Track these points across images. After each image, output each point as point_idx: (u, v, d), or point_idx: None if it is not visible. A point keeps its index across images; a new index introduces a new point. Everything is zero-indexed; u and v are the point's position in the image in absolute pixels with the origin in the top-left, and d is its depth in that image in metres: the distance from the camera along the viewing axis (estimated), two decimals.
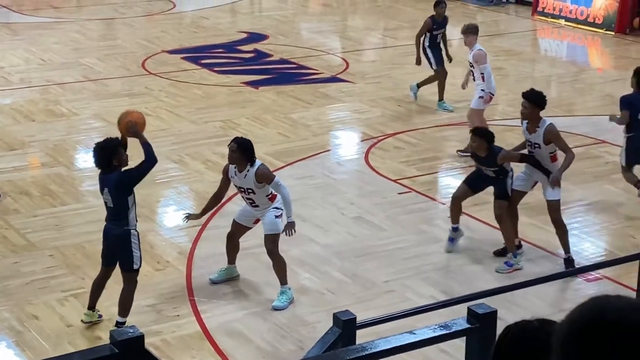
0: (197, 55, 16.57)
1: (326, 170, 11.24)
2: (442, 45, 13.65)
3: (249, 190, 7.97)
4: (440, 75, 13.57)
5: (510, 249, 8.66)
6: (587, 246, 9.37)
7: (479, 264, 8.78)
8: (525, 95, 8.54)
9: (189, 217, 8.31)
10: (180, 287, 8.27)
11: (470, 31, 11.70)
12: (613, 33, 18.51)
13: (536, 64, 17.21)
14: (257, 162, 7.98)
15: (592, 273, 8.30)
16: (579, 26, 18.89)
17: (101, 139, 7.51)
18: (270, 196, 8.03)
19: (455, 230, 8.98)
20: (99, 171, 7.41)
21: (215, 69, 15.66)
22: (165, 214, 10.16)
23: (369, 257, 8.92)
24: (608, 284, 8.26)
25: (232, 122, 12.84)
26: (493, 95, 11.93)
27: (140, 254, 7.42)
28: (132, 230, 7.33)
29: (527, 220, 9.46)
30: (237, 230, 8.29)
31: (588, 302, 1.63)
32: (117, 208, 7.28)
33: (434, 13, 13.61)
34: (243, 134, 12.28)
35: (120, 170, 7.31)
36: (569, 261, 8.52)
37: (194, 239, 9.21)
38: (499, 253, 8.84)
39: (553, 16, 19.70)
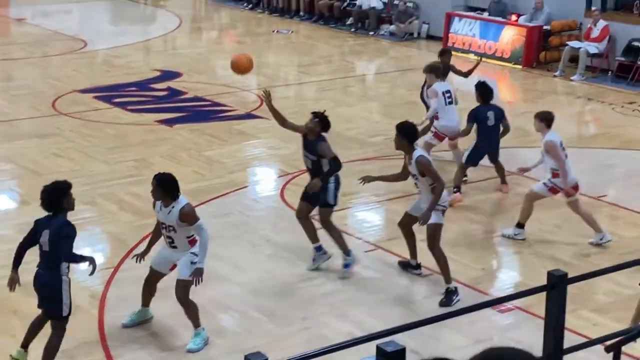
0: (109, 94, 16.40)
1: (242, 207, 11.20)
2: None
3: (170, 228, 7.86)
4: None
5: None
6: (501, 277, 9.52)
7: (396, 298, 8.81)
8: (397, 126, 8.77)
9: (138, 256, 8.15)
10: (92, 331, 8.10)
11: (427, 70, 12.17)
12: (520, 67, 18.98)
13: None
14: (183, 200, 7.86)
15: (505, 304, 8.41)
16: (488, 60, 19.31)
17: (49, 182, 7.33)
18: (190, 239, 7.91)
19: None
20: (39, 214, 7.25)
21: (129, 107, 15.52)
22: None
23: (286, 294, 8.89)
24: (520, 314, 8.39)
25: (145, 161, 12.71)
26: (444, 135, 11.92)
27: (70, 302, 7.24)
28: (63, 277, 7.14)
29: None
30: (152, 276, 8.17)
31: (483, 352, 1.65)
32: (52, 254, 7.09)
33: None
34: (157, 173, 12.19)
35: (65, 216, 7.17)
36: (449, 292, 8.59)
37: (106, 282, 9.05)
38: (404, 265, 9.26)
39: (463, 51, 20.11)
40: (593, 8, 18.47)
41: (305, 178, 12.13)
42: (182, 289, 7.82)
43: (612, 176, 12.78)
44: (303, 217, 9.43)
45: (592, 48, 18.06)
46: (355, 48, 21.03)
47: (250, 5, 25.54)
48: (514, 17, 19.65)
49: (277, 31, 22.75)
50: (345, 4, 23.20)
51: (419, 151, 8.68)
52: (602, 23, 18.02)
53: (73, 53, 19.97)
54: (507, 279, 9.50)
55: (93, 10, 26.09)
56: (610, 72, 18.05)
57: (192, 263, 7.82)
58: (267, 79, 18.04)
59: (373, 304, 8.67)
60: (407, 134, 8.69)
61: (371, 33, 22.18)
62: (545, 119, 10.12)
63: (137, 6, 26.83)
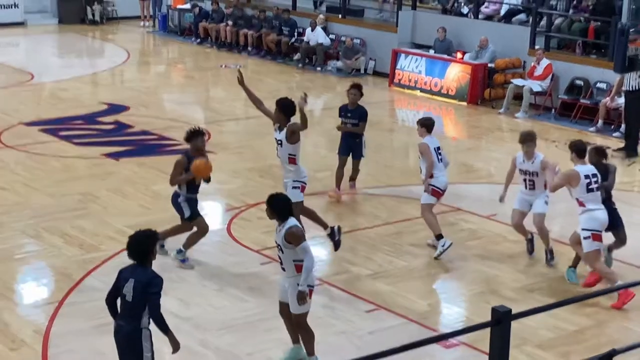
0: (55, 127, 16.26)
1: None
2: None
3: (279, 248, 7.90)
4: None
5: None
6: (446, 312, 9.60)
7: (341, 333, 8.83)
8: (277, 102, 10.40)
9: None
10: None
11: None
12: (466, 104, 19.26)
13: (394, 133, 17.69)
14: (292, 222, 7.82)
15: (451, 340, 8.47)
16: (434, 97, 19.57)
17: (141, 229, 7.14)
18: (297, 264, 7.76)
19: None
20: None
21: (75, 140, 15.40)
22: (22, 290, 9.82)
23: (232, 329, 8.86)
24: (465, 349, 8.46)
25: (91, 194, 12.60)
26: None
27: (152, 354, 6.90)
28: (144, 330, 6.83)
29: (388, 289, 9.59)
30: (282, 309, 8.14)
31: None
32: (135, 305, 6.77)
33: None
34: (103, 207, 12.11)
35: (151, 266, 6.91)
36: None
37: (51, 316, 8.93)
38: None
39: (409, 87, 20.35)
40: (536, 47, 18.84)
41: (252, 212, 12.16)
42: (297, 320, 7.92)
43: (555, 212, 12.96)
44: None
45: (536, 86, 18.40)
46: (303, 83, 21.15)
47: (198, 40, 25.57)
48: (459, 55, 19.95)
49: (225, 66, 22.80)
50: (293, 39, 23.36)
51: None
52: (545, 61, 18.38)
53: (20, 86, 19.79)
54: (452, 315, 9.56)
55: (40, 43, 25.93)
56: (553, 109, 18.39)
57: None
58: (215, 114, 18.05)
59: (318, 339, 8.65)
60: (282, 108, 9.95)
61: (318, 69, 22.34)
62: (425, 125, 10.96)
63: (85, 39, 26.70)
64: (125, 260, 10.26)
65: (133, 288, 6.74)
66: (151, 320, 6.81)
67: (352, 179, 13.12)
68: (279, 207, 7.89)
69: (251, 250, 10.88)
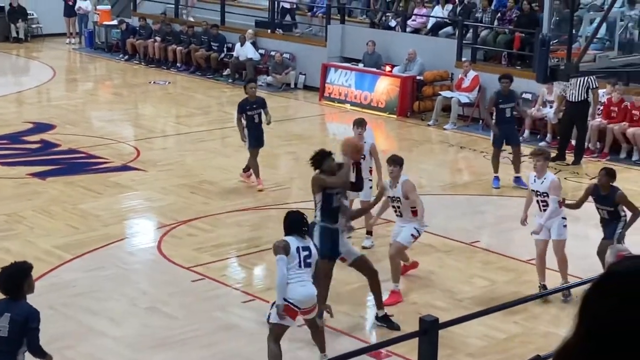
0: None
1: (118, 260, 11.00)
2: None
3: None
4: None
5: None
6: (377, 322, 9.61)
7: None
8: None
9: None
10: None
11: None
12: (395, 116, 19.40)
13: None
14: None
15: (381, 350, 8.49)
16: (364, 110, 19.66)
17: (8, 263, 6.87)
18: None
19: None
20: None
21: (0, 160, 15.10)
22: None
23: (164, 347, 8.75)
24: None
25: (17, 215, 12.36)
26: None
27: None
28: None
29: None
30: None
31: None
32: (11, 339, 6.55)
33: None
34: (29, 227, 11.88)
35: (26, 299, 6.69)
36: None
37: None
38: None
39: (339, 101, 20.44)
40: (463, 59, 19.09)
41: (183, 229, 12.06)
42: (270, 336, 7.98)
43: (484, 222, 13.14)
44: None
45: (464, 98, 18.62)
46: (233, 99, 21.00)
47: (126, 57, 25.33)
48: (388, 68, 20.11)
49: (154, 82, 22.63)
50: (222, 55, 23.28)
51: None
52: (472, 73, 18.62)
53: None
54: (383, 326, 9.57)
55: None
56: (481, 120, 18.61)
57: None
58: (144, 131, 17.88)
59: (251, 357, 8.61)
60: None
61: None
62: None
63: (9, 57, 26.24)
64: (53, 281, 10.14)
65: (9, 323, 6.56)
66: (27, 354, 6.65)
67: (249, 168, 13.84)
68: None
69: (182, 267, 10.77)
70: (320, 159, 9.15)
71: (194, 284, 10.28)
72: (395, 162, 10.01)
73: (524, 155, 14.20)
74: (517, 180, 14.13)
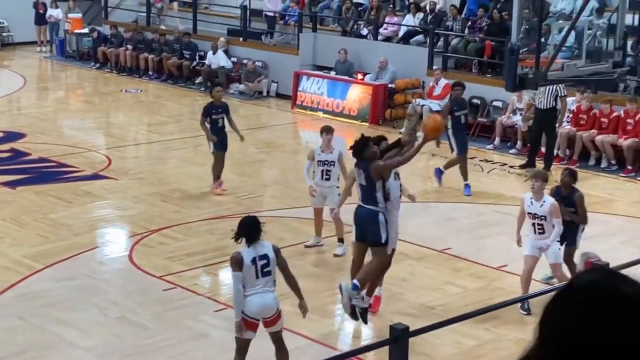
0: None
1: (88, 270, 10.93)
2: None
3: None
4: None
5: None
6: (349, 331, 9.62)
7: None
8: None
9: None
10: None
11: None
12: (367, 124, 19.44)
13: (298, 155, 17.70)
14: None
15: (353, 358, 8.49)
16: (336, 118, 19.70)
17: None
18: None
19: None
20: None
21: None
22: None
23: (134, 357, 8.71)
24: None
25: None
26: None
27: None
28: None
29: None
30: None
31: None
32: None
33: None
34: None
35: None
36: None
37: None
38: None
39: (312, 109, 20.45)
40: (435, 67, 19.17)
41: (154, 238, 12.01)
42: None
43: (455, 229, 13.17)
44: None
45: (435, 105, 18.66)
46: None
47: (97, 65, 25.22)
48: (360, 76, 20.16)
49: (126, 90, 22.54)
50: (195, 63, 23.24)
51: None
52: (443, 81, 18.70)
53: None
54: (356, 333, 9.59)
55: None
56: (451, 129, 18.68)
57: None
58: (115, 139, 17.81)
59: None
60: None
61: None
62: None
63: None
64: (22, 292, 10.07)
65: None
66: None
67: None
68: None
69: (153, 276, 10.73)
70: (362, 147, 9.16)
71: (165, 293, 10.24)
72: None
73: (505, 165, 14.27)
74: (439, 177, 14.52)
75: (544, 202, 9.76)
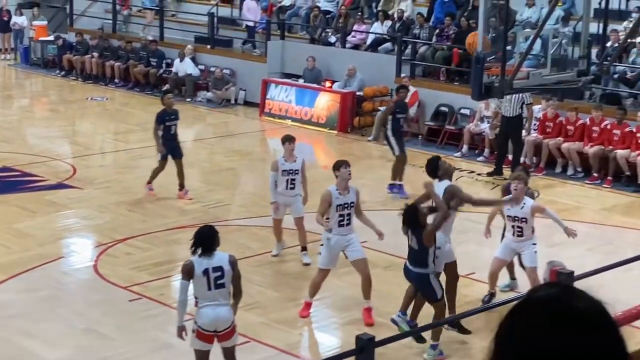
0: None
1: (53, 281, 10.80)
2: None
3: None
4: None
5: None
6: (317, 341, 9.57)
7: None
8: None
9: None
10: None
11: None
12: (336, 132, 19.44)
13: (266, 163, 17.62)
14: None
15: None
16: (305, 126, 19.68)
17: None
18: None
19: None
20: None
21: None
22: None
23: None
24: None
25: None
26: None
27: None
28: None
29: (259, 320, 9.51)
30: None
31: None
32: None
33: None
34: None
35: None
36: None
37: None
38: None
39: (280, 117, 20.41)
40: (403, 75, 19.21)
41: (120, 248, 11.89)
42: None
43: None
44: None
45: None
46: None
47: (63, 73, 25.01)
48: (328, 84, 20.16)
49: (92, 98, 22.36)
50: (162, 70, 23.12)
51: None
52: (411, 89, 18.74)
53: None
54: (324, 343, 9.55)
55: None
56: (420, 136, 18.75)
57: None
58: (81, 148, 17.65)
59: None
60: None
61: (188, 100, 22.15)
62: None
63: None
64: None
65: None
66: None
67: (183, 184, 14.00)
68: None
69: (119, 287, 10.61)
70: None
71: (131, 304, 10.14)
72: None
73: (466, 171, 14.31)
74: (391, 187, 14.68)
75: (524, 204, 9.77)
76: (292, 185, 11.33)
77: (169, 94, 14.53)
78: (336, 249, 9.65)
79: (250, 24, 23.23)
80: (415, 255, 8.77)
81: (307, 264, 11.27)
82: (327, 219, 9.58)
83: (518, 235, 9.84)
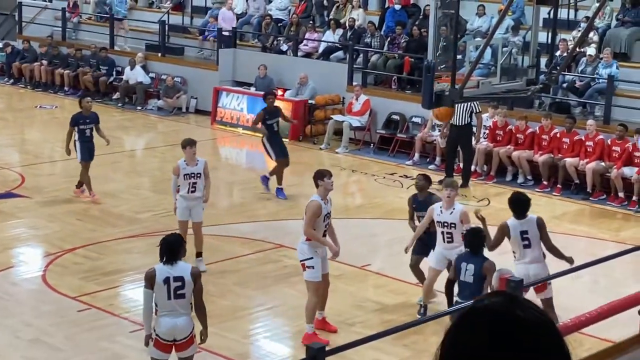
0: None
1: (0, 291, 10.62)
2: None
3: None
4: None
5: None
6: (269, 350, 9.52)
7: None
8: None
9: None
10: None
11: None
12: (287, 140, 19.37)
13: (218, 171, 17.54)
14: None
15: None
16: (257, 134, 19.57)
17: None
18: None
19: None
20: None
21: None
22: None
23: None
24: None
25: None
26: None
27: None
28: None
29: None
30: None
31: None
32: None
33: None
34: None
35: None
36: None
37: None
38: None
39: (231, 125, 20.33)
40: (354, 83, 19.26)
41: (69, 257, 11.72)
42: None
43: (375, 245, 13.20)
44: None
45: (355, 121, 18.77)
46: (123, 123, 20.74)
47: (11, 81, 24.67)
48: (279, 92, 20.11)
49: (41, 106, 22.07)
50: (112, 78, 22.91)
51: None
52: (363, 97, 18.80)
53: None
54: (276, 352, 9.50)
55: None
56: (372, 144, 18.81)
57: None
58: (29, 156, 17.41)
59: None
60: None
61: (139, 108, 21.99)
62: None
63: None
64: None
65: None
66: None
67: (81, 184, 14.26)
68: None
69: (68, 297, 10.47)
70: (482, 240, 9.06)
71: (80, 314, 10.00)
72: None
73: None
74: (266, 184, 15.16)
75: (453, 209, 9.85)
76: (193, 189, 11.45)
77: (88, 98, 14.98)
78: (323, 260, 9.59)
79: (227, 33, 22.38)
80: (469, 288, 8.64)
81: (203, 272, 11.10)
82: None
83: (448, 242, 9.84)
